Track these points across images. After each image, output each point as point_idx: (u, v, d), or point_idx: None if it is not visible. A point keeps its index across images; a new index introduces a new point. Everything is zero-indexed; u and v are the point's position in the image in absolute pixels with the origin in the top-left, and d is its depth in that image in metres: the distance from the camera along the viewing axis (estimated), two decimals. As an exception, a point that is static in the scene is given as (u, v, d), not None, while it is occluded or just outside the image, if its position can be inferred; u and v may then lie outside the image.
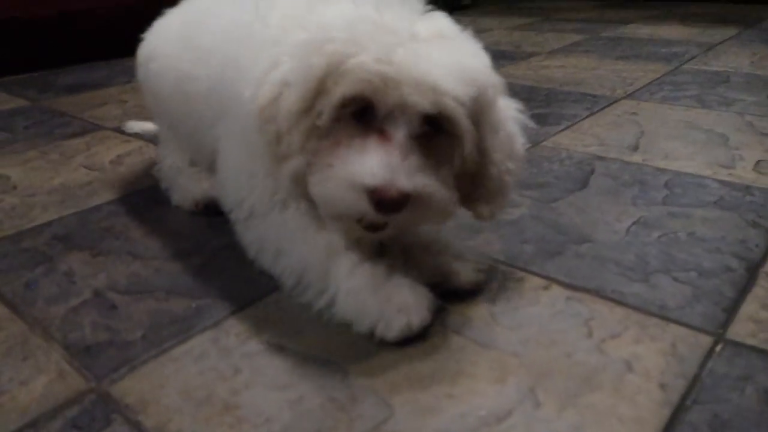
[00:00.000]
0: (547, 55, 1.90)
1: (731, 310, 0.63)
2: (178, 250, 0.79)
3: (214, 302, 0.68)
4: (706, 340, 0.59)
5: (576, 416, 0.50)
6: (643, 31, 2.22)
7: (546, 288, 0.68)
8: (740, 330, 0.60)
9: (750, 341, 0.58)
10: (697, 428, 0.49)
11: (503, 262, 0.73)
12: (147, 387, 0.56)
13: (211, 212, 0.86)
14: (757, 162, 0.99)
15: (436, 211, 0.56)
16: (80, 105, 1.52)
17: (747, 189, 0.90)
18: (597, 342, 0.59)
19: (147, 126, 1.17)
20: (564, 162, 1.03)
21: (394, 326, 0.58)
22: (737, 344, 0.58)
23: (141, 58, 0.89)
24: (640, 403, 0.52)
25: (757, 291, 0.66)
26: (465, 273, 0.66)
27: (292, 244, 0.64)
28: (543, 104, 1.36)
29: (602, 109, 1.31)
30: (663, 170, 0.98)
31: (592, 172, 0.98)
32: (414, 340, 0.59)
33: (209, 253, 0.78)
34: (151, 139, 1.17)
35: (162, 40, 0.86)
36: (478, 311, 0.64)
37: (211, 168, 0.81)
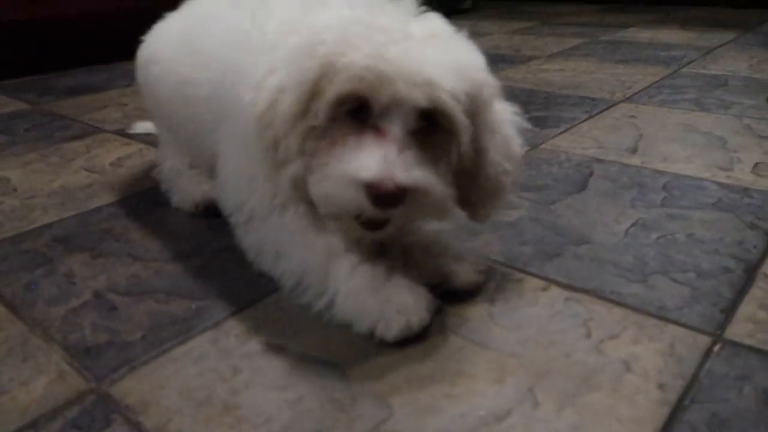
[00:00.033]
0: (547, 58, 1.91)
1: (729, 310, 0.63)
2: (178, 251, 0.80)
3: (213, 303, 0.68)
4: (704, 341, 0.59)
5: (575, 416, 0.51)
6: (642, 35, 2.22)
7: (545, 289, 0.68)
8: (738, 330, 0.60)
9: (748, 341, 0.59)
10: (696, 428, 0.49)
11: (502, 263, 0.73)
12: (147, 387, 0.56)
13: (211, 214, 0.86)
14: (755, 164, 1.00)
15: (433, 205, 0.56)
16: (80, 108, 1.52)
17: (745, 191, 0.90)
18: (595, 342, 0.59)
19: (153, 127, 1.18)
20: (563, 164, 1.03)
21: (393, 327, 0.59)
22: (735, 344, 0.58)
23: (141, 61, 0.90)
24: (639, 402, 0.52)
25: (755, 292, 0.66)
26: (464, 274, 0.66)
27: (292, 246, 0.65)
28: (542, 107, 1.37)
29: (601, 112, 1.32)
30: (662, 172, 0.98)
31: (591, 174, 0.99)
32: (413, 340, 0.59)
33: (209, 255, 0.78)
34: (154, 141, 1.17)
35: (162, 44, 0.86)
36: (477, 312, 0.65)
37: (211, 171, 0.81)
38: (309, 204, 0.61)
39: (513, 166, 0.63)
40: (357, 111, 0.55)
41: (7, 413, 0.53)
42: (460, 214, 0.66)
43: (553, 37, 2.27)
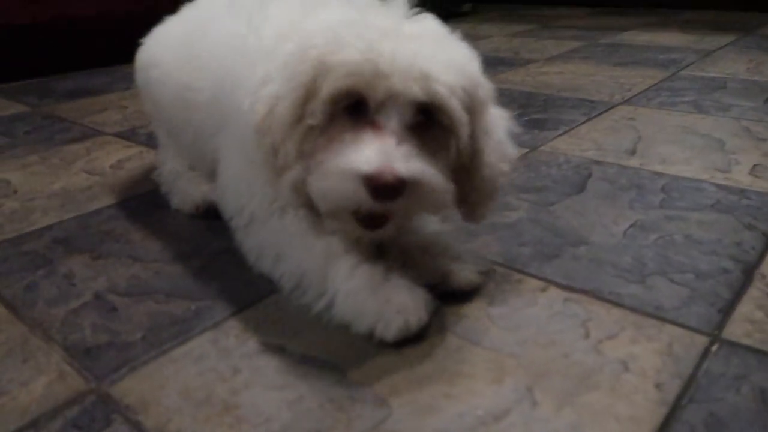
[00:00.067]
0: (546, 61, 1.91)
1: (727, 310, 0.64)
2: (178, 253, 0.80)
3: (213, 304, 0.68)
4: (702, 340, 0.59)
5: (573, 415, 0.51)
6: (641, 38, 2.23)
7: (543, 290, 0.68)
8: (736, 330, 0.60)
9: (745, 341, 0.59)
10: (693, 427, 0.49)
11: (501, 264, 0.74)
12: (147, 387, 0.56)
13: (211, 216, 0.87)
14: (753, 166, 1.00)
15: (432, 198, 0.56)
16: (80, 111, 1.53)
17: (743, 192, 0.91)
18: (594, 342, 0.59)
19: None
20: (562, 166, 1.04)
21: (392, 327, 0.59)
22: (733, 344, 0.59)
23: (140, 63, 0.90)
24: (637, 402, 0.52)
25: (753, 292, 0.66)
26: (463, 274, 0.66)
27: (291, 248, 0.65)
28: (541, 109, 1.37)
29: (600, 114, 1.32)
30: (660, 174, 0.98)
31: (590, 176, 0.99)
32: (412, 340, 0.59)
33: (209, 256, 0.79)
34: (154, 143, 1.17)
35: (163, 47, 0.86)
36: (476, 312, 0.65)
37: (210, 174, 0.81)
38: (309, 207, 0.61)
39: (507, 169, 0.64)
40: (354, 108, 0.55)
41: (7, 413, 0.54)
42: (456, 216, 0.66)
43: (552, 40, 2.28)
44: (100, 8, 2.02)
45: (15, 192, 1.02)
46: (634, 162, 1.04)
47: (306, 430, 0.50)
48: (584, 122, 1.27)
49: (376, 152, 0.52)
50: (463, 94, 0.56)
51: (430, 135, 0.57)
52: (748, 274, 0.70)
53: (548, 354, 0.58)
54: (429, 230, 0.69)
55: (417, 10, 0.60)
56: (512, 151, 0.65)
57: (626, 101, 1.41)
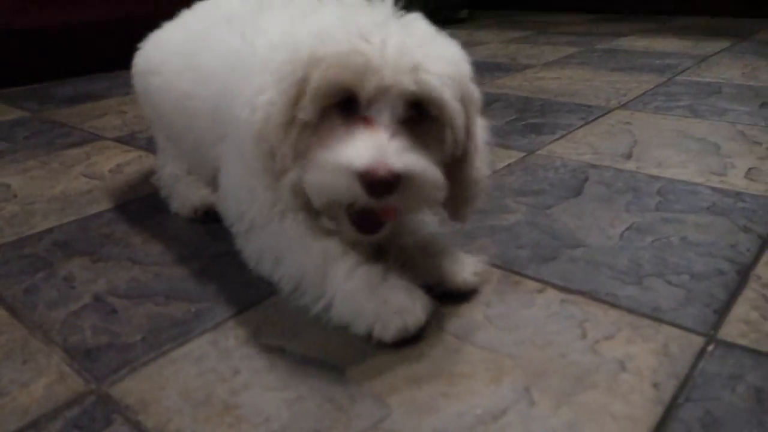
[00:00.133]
0: (543, 67, 1.92)
1: (723, 311, 0.64)
2: (178, 256, 0.80)
3: (213, 306, 0.68)
4: (697, 341, 0.60)
5: (570, 414, 0.51)
6: (637, 43, 2.25)
7: (541, 291, 0.69)
8: (731, 330, 0.61)
9: (741, 341, 0.59)
10: (690, 426, 0.50)
11: (499, 266, 0.74)
12: (147, 388, 0.56)
13: (210, 219, 0.87)
14: (749, 169, 1.01)
15: (427, 192, 0.56)
16: (80, 116, 1.53)
17: (738, 195, 0.91)
18: (591, 343, 0.60)
19: None
20: (558, 170, 1.04)
21: (390, 328, 0.59)
22: (728, 344, 0.59)
23: (138, 69, 0.91)
24: (634, 401, 0.52)
25: (748, 293, 0.67)
26: (461, 276, 0.67)
27: (290, 251, 0.66)
28: (538, 114, 1.38)
29: (596, 119, 1.33)
30: (656, 177, 0.99)
31: (586, 179, 1.00)
32: (410, 341, 0.60)
33: (208, 259, 0.79)
34: (153, 147, 1.18)
35: (162, 54, 0.86)
36: (474, 313, 0.65)
37: (209, 180, 0.82)
38: (309, 210, 0.62)
39: (489, 173, 0.65)
40: (345, 104, 0.56)
41: (7, 414, 0.54)
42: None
43: (548, 45, 2.29)
44: (100, 14, 2.03)
45: (15, 196, 1.03)
46: (630, 165, 1.05)
47: (305, 429, 0.51)
48: (581, 126, 1.28)
49: (369, 147, 0.52)
50: (455, 85, 0.57)
51: (423, 129, 0.57)
52: (744, 276, 0.70)
53: (546, 354, 0.59)
54: (427, 232, 0.70)
55: (405, 11, 0.61)
56: (490, 157, 0.67)
57: (622, 106, 1.42)
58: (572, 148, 1.15)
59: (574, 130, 1.25)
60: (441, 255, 0.67)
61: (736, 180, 0.97)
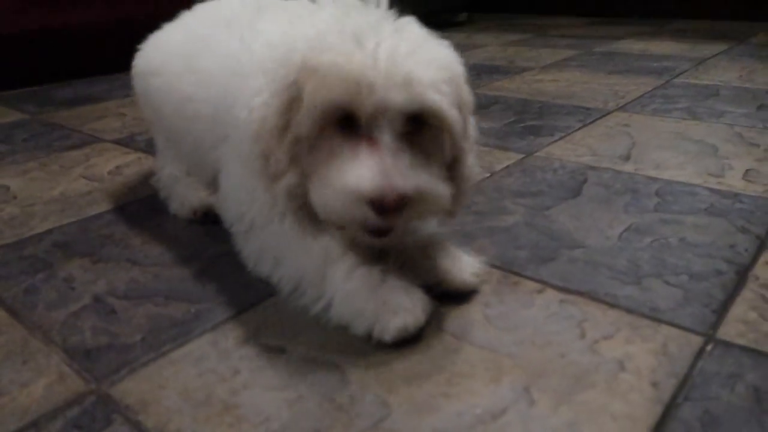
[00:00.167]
0: (541, 69, 1.93)
1: (721, 311, 0.64)
2: (177, 256, 0.80)
3: (212, 306, 0.69)
4: (696, 340, 0.60)
5: (570, 413, 0.51)
6: (634, 46, 2.25)
7: (540, 291, 0.69)
8: (730, 330, 0.61)
9: (739, 341, 0.60)
10: (689, 425, 0.50)
11: (498, 266, 0.74)
12: (147, 388, 0.56)
13: (209, 220, 0.87)
14: (746, 171, 1.01)
15: (434, 205, 0.57)
16: (79, 118, 1.53)
17: (736, 196, 0.92)
18: (590, 343, 0.60)
19: None
20: (557, 171, 1.05)
21: (390, 328, 0.59)
22: (727, 344, 0.59)
23: (138, 70, 0.91)
24: (633, 400, 0.53)
25: (746, 293, 0.67)
26: (460, 276, 0.67)
27: (289, 252, 0.66)
28: (536, 116, 1.38)
29: (594, 121, 1.34)
30: (654, 179, 1.00)
31: (585, 181, 1.00)
32: (410, 341, 0.60)
33: (207, 260, 0.79)
34: (152, 149, 1.18)
35: (163, 56, 0.86)
36: (473, 313, 0.65)
37: (209, 182, 0.82)
38: (306, 212, 0.62)
39: (478, 170, 0.66)
40: (345, 121, 0.56)
41: (7, 414, 0.54)
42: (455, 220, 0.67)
43: (546, 48, 2.30)
44: (99, 16, 2.03)
45: (14, 198, 1.03)
46: (628, 167, 1.05)
47: (305, 429, 0.51)
48: (579, 129, 1.28)
49: (375, 171, 0.53)
50: (451, 92, 0.57)
51: (423, 137, 0.58)
52: (742, 276, 0.71)
53: (545, 354, 0.59)
54: (426, 232, 0.70)
55: (397, 13, 0.62)
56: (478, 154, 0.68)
57: (620, 108, 1.43)
58: (571, 150, 1.15)
59: (572, 132, 1.26)
60: (440, 255, 0.68)
61: (734, 181, 0.97)
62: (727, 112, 1.36)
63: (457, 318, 0.65)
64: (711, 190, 0.94)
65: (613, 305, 0.66)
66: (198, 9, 0.88)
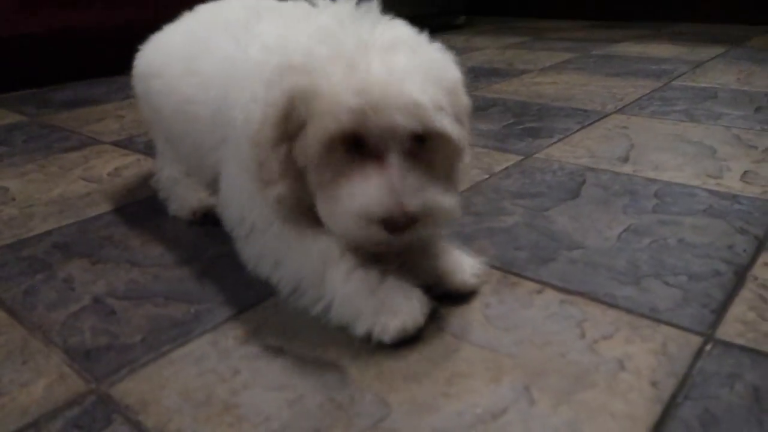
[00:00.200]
0: (539, 72, 1.94)
1: (720, 311, 0.65)
2: (177, 257, 0.80)
3: (212, 307, 0.69)
4: (695, 340, 0.60)
5: (570, 413, 0.51)
6: (632, 49, 2.26)
7: (539, 292, 0.69)
8: (729, 330, 0.61)
9: (739, 341, 0.60)
10: (689, 424, 0.50)
11: (497, 267, 0.74)
12: (147, 388, 0.56)
13: (209, 221, 0.87)
14: (744, 172, 1.02)
15: (442, 218, 0.60)
16: (78, 120, 1.53)
17: (734, 198, 0.92)
18: (590, 342, 0.60)
19: None
20: (556, 173, 1.05)
21: (389, 329, 0.59)
22: (726, 344, 0.59)
23: (139, 71, 0.91)
24: (633, 400, 0.53)
25: (745, 293, 0.68)
26: (459, 277, 0.67)
27: (289, 254, 0.66)
28: (535, 118, 1.39)
29: (593, 123, 1.34)
30: (653, 180, 1.00)
31: (584, 182, 1.00)
32: (410, 341, 0.60)
33: (207, 261, 0.79)
34: (152, 151, 1.18)
35: (164, 57, 0.87)
36: (473, 314, 0.65)
37: (208, 183, 0.82)
38: (295, 218, 0.64)
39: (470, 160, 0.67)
40: (351, 141, 0.57)
41: (7, 414, 0.54)
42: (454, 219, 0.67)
43: (545, 51, 2.31)
44: (99, 19, 2.03)
45: (13, 199, 1.03)
46: (627, 169, 1.05)
47: (306, 429, 0.51)
48: (578, 130, 1.29)
49: (384, 191, 0.55)
50: (452, 108, 0.59)
51: (426, 151, 0.59)
52: (741, 276, 0.71)
53: (545, 353, 0.59)
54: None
55: (389, 18, 0.62)
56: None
57: (619, 110, 1.43)
58: (569, 152, 1.15)
59: (571, 134, 1.26)
60: (440, 255, 0.68)
61: (732, 183, 0.98)
62: (725, 114, 1.36)
63: (456, 318, 0.65)
64: (709, 191, 0.95)
65: (612, 305, 0.66)
66: (199, 11, 0.89)
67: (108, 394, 0.56)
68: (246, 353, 0.60)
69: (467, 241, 0.81)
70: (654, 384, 0.54)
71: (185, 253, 0.82)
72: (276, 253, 0.67)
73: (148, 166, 1.15)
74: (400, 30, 0.62)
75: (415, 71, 0.56)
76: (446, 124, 0.57)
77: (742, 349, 0.59)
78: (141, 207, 0.97)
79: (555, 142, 1.21)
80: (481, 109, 1.46)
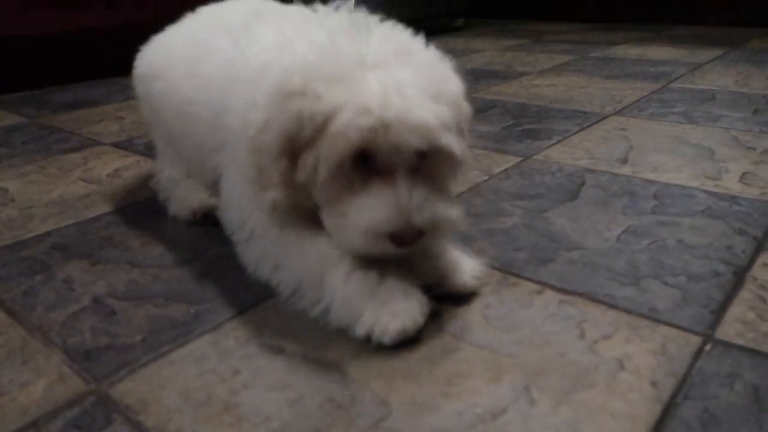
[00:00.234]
0: (538, 74, 1.94)
1: (719, 312, 0.65)
2: (176, 258, 0.80)
3: (212, 307, 0.69)
4: (695, 340, 0.60)
5: (570, 412, 0.52)
6: (631, 52, 2.27)
7: (539, 292, 0.69)
8: (728, 330, 0.62)
9: (738, 341, 0.60)
10: (688, 423, 0.50)
11: (497, 268, 0.74)
12: (147, 388, 0.56)
13: (208, 222, 0.87)
14: (743, 174, 1.02)
15: (448, 229, 0.62)
16: (78, 121, 1.53)
17: (733, 199, 0.92)
18: (589, 342, 0.60)
19: None
20: (555, 174, 1.05)
21: (389, 330, 0.59)
22: (725, 344, 0.60)
23: (140, 72, 0.91)
24: (632, 399, 0.53)
25: (744, 294, 0.68)
26: (459, 278, 0.67)
27: (288, 257, 0.66)
28: (534, 120, 1.39)
29: (592, 125, 1.34)
30: (652, 182, 1.00)
31: (583, 183, 1.00)
32: (410, 341, 0.60)
33: (207, 262, 0.79)
34: (151, 152, 1.18)
35: (165, 58, 0.87)
36: (473, 314, 0.66)
37: (208, 185, 0.83)
38: (298, 219, 0.64)
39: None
40: (359, 157, 0.57)
41: (7, 414, 0.54)
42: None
43: (543, 53, 2.31)
44: (99, 20, 2.03)
45: (13, 200, 1.03)
46: (626, 170, 1.06)
47: (306, 428, 0.51)
48: (577, 132, 1.29)
49: (392, 208, 0.57)
50: (455, 120, 0.60)
51: (430, 164, 0.61)
52: (740, 277, 0.71)
53: (544, 354, 0.59)
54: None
55: (388, 24, 0.63)
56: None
57: (618, 112, 1.44)
58: (568, 153, 1.15)
59: (570, 136, 1.26)
60: (441, 256, 0.68)
61: (731, 184, 0.98)
62: (724, 116, 1.37)
63: (456, 318, 0.65)
64: (708, 192, 0.95)
65: (611, 306, 0.66)
66: (201, 12, 0.89)
67: (108, 394, 0.56)
68: (246, 353, 0.61)
69: (467, 242, 0.81)
70: (654, 384, 0.54)
71: (185, 253, 0.82)
72: (275, 256, 0.67)
73: (148, 167, 1.15)
74: (400, 38, 0.62)
75: (419, 88, 0.57)
76: (451, 141, 0.58)
77: (742, 349, 0.59)
78: (141, 208, 0.97)
79: (554, 144, 1.22)
80: (480, 110, 1.47)
